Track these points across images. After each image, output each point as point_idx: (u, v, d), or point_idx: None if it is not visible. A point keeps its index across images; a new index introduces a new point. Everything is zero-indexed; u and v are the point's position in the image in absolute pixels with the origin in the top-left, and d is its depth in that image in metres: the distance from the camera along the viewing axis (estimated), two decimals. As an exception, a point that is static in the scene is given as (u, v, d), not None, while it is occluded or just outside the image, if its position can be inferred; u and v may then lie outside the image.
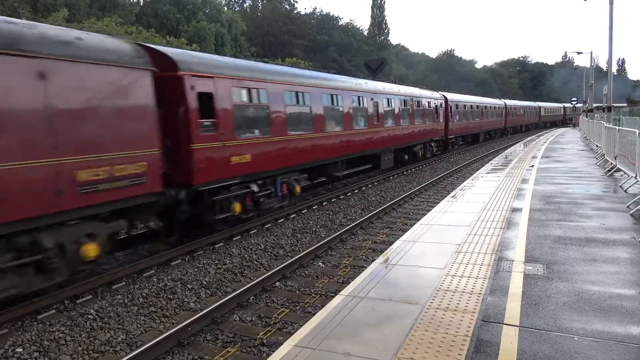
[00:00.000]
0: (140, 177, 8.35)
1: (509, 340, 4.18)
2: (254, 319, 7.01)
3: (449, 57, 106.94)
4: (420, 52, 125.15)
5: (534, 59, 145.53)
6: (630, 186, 11.43)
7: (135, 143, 8.26)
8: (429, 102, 26.88)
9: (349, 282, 6.43)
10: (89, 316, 7.01)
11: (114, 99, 7.98)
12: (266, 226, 12.15)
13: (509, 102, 51.77)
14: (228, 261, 9.61)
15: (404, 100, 23.14)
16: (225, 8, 63.04)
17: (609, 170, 14.63)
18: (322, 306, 5.58)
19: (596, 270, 5.92)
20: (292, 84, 13.63)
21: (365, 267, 6.82)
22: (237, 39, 54.46)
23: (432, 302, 5.10)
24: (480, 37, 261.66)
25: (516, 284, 5.51)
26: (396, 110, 21.90)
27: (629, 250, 6.70)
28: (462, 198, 11.55)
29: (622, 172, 13.09)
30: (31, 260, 6.83)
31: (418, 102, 25.12)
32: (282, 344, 4.49)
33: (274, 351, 4.46)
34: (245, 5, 74.80)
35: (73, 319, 6.93)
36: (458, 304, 5.02)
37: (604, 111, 25.28)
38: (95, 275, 8.41)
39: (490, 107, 42.58)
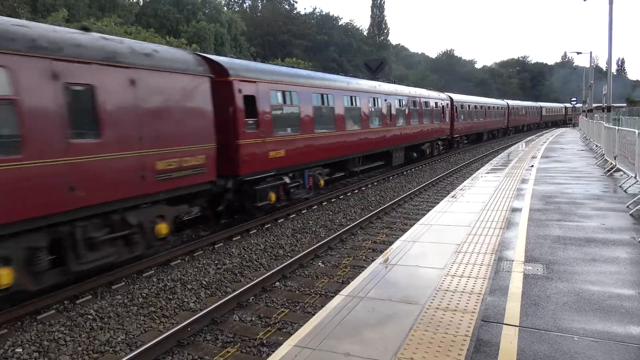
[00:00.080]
0: (200, 167, 9.84)
1: (508, 340, 4.18)
2: (253, 319, 7.01)
3: (448, 57, 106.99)
4: (420, 52, 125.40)
5: (533, 59, 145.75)
6: (630, 186, 11.44)
7: (197, 139, 9.76)
8: (436, 103, 28.03)
9: (348, 282, 6.43)
10: (89, 316, 7.01)
11: (183, 101, 9.46)
12: (266, 226, 12.15)
13: (511, 102, 52.67)
14: (228, 261, 9.61)
15: (414, 101, 24.45)
16: (225, 8, 63.07)
17: (609, 170, 14.64)
18: (322, 306, 5.58)
19: (596, 270, 5.92)
20: (318, 87, 15.13)
21: (365, 267, 6.82)
22: (236, 39, 54.47)
23: (432, 302, 5.10)
24: (480, 37, 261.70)
25: (516, 284, 5.51)
26: (407, 111, 23.24)
27: (629, 250, 6.70)
28: (462, 198, 11.55)
29: (621, 172, 13.09)
30: (121, 234, 8.29)
31: (426, 102, 26.32)
32: (282, 344, 4.49)
33: (273, 351, 4.46)
34: (245, 5, 74.92)
35: (73, 319, 6.92)
36: (458, 304, 5.02)
37: (603, 111, 25.29)
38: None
39: (494, 107, 43.73)
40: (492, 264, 6.26)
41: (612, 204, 9.94)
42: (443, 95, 30.78)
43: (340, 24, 78.41)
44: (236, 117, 11.05)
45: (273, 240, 11.14)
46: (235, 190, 11.37)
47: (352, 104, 17.42)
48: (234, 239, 10.98)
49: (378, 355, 4.05)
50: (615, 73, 46.99)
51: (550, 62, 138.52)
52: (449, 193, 13.66)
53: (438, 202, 11.50)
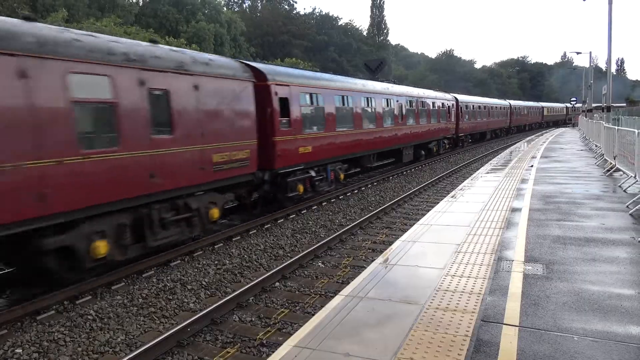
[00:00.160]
0: (245, 161, 11.33)
1: (508, 340, 4.18)
2: (253, 319, 7.01)
3: (448, 57, 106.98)
4: (419, 52, 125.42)
5: (533, 59, 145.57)
6: (629, 186, 11.44)
7: (243, 135, 11.28)
8: (442, 103, 29.42)
9: (348, 282, 6.43)
10: (89, 317, 7.01)
11: (233, 102, 10.96)
12: (265, 227, 12.15)
13: (513, 102, 53.88)
14: (228, 262, 9.61)
15: (422, 102, 25.83)
16: (225, 8, 63.03)
17: (608, 170, 14.64)
18: (322, 306, 5.58)
19: (596, 270, 5.92)
20: (340, 89, 16.63)
21: (365, 267, 6.82)
22: (236, 39, 54.42)
23: (431, 302, 5.10)
24: (480, 37, 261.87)
25: (516, 284, 5.51)
26: (416, 111, 24.62)
27: (629, 250, 6.71)
28: (461, 198, 11.55)
29: (621, 172, 13.10)
30: (184, 217, 9.70)
31: (433, 103, 27.70)
32: (281, 344, 4.48)
33: (273, 351, 4.46)
34: (244, 5, 74.87)
35: (72, 319, 6.92)
36: (458, 304, 5.02)
37: (603, 111, 25.31)
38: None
39: (497, 107, 45.01)
40: (492, 264, 6.26)
41: (611, 204, 9.94)
42: (449, 96, 32.14)
43: (339, 24, 78.38)
44: (273, 117, 12.51)
45: (273, 240, 11.14)
46: (270, 182, 12.78)
47: (368, 104, 18.77)
48: (233, 239, 10.98)
49: (378, 355, 4.05)
50: (614, 73, 47.04)
51: (550, 62, 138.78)
52: (448, 193, 13.66)
53: (438, 202, 11.50)
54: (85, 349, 6.17)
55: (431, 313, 4.83)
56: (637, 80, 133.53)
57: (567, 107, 79.21)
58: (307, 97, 14.45)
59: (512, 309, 4.83)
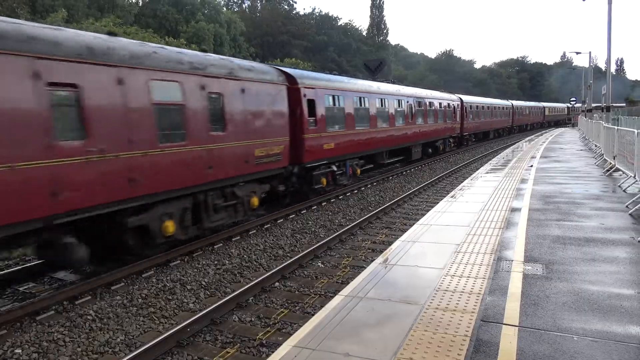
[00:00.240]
0: (279, 155, 12.79)
1: (508, 340, 4.18)
2: (253, 319, 7.00)
3: (447, 57, 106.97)
4: (419, 52, 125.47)
5: (532, 59, 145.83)
6: (629, 186, 11.44)
7: (278, 132, 12.73)
8: (448, 104, 30.74)
9: (348, 283, 6.43)
10: (88, 317, 7.00)
11: (270, 104, 12.43)
12: (265, 227, 12.14)
13: (515, 102, 55.15)
14: (227, 262, 9.60)
15: (430, 102, 27.10)
16: (224, 8, 63.02)
17: (608, 170, 14.65)
18: (322, 306, 5.58)
19: (595, 270, 5.92)
20: (357, 91, 17.96)
21: (365, 268, 6.82)
22: (236, 39, 54.38)
23: (431, 302, 5.10)
24: (479, 38, 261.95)
25: (515, 284, 5.51)
26: (424, 111, 25.91)
27: (628, 249, 6.71)
28: (461, 198, 11.55)
29: (620, 172, 13.10)
30: (231, 203, 11.12)
31: (440, 103, 28.99)
32: (281, 344, 4.48)
33: (273, 352, 4.46)
34: (244, 5, 74.85)
35: (72, 319, 6.91)
36: (457, 304, 5.02)
37: (602, 111, 25.30)
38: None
39: (499, 107, 46.45)
40: (492, 264, 6.26)
41: (611, 204, 9.94)
42: (454, 96, 33.52)
43: (339, 24, 78.35)
44: (302, 116, 13.90)
45: (272, 240, 11.14)
46: (298, 175, 14.09)
47: (382, 105, 20.10)
48: (233, 239, 10.98)
49: (377, 355, 4.05)
50: (614, 73, 46.99)
51: (550, 62, 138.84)
52: (448, 193, 13.66)
53: (437, 202, 11.50)
54: (84, 349, 6.16)
55: (431, 313, 4.83)
56: (636, 80, 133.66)
57: (568, 107, 79.47)
58: (330, 98, 15.75)
59: (512, 309, 4.83)
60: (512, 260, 6.37)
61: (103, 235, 8.62)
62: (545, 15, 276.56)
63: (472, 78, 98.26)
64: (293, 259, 9.38)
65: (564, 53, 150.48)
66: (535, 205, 9.98)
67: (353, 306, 5.13)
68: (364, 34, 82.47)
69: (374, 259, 7.29)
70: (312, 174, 14.62)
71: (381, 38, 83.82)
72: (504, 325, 4.47)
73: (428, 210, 10.59)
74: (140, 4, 51.70)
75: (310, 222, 12.88)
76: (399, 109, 22.06)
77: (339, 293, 5.58)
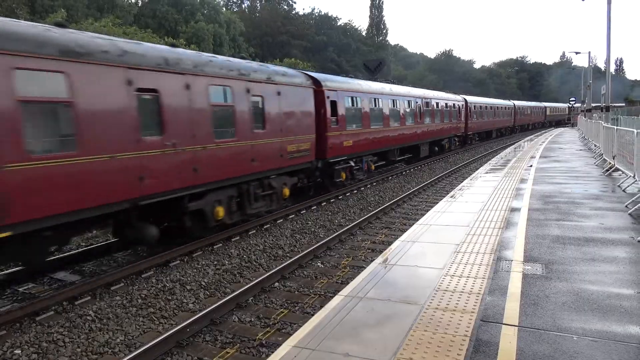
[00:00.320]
0: (307, 151, 14.25)
1: (508, 340, 4.18)
2: (253, 319, 7.00)
3: (447, 57, 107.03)
4: (418, 53, 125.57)
5: (532, 59, 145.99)
6: (628, 186, 11.45)
7: (306, 131, 14.18)
8: (453, 104, 32.12)
9: (348, 283, 6.42)
10: (88, 317, 6.99)
11: (300, 105, 13.95)
12: (265, 227, 12.14)
13: (517, 102, 56.49)
14: (227, 262, 9.60)
15: (437, 103, 28.44)
16: (224, 9, 63.00)
17: (607, 170, 14.66)
18: (321, 306, 5.58)
19: (595, 269, 5.93)
20: (372, 92, 19.35)
21: (364, 268, 6.82)
22: (235, 39, 54.36)
23: (431, 302, 5.10)
24: (479, 38, 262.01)
25: (515, 284, 5.51)
26: (432, 111, 27.22)
27: (628, 249, 6.71)
28: (460, 198, 11.55)
29: (620, 172, 13.11)
30: (267, 193, 12.40)
31: (446, 104, 30.38)
32: (281, 344, 4.48)
33: (273, 352, 4.46)
34: (243, 5, 74.84)
35: (71, 320, 6.91)
36: (457, 304, 5.02)
37: (602, 111, 25.32)
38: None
39: (502, 107, 47.76)
40: (491, 264, 6.26)
41: (610, 204, 9.95)
42: (459, 97, 34.98)
43: (339, 24, 78.39)
44: (326, 116, 15.30)
45: (272, 240, 11.13)
46: (321, 169, 15.49)
47: (394, 105, 21.48)
48: (232, 239, 10.97)
49: (377, 355, 4.05)
50: (613, 73, 46.99)
51: (549, 62, 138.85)
52: (448, 193, 13.66)
53: (437, 202, 11.51)
54: (84, 350, 6.16)
55: (430, 313, 4.83)
56: (636, 80, 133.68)
57: (569, 107, 79.73)
58: (349, 99, 17.14)
59: (512, 308, 4.83)
60: (512, 260, 6.37)
61: (168, 218, 10.00)
62: (545, 15, 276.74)
63: (471, 78, 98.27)
64: (293, 259, 9.37)
65: (564, 53, 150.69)
66: (535, 205, 9.99)
67: (353, 306, 5.13)
68: (364, 34, 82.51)
69: (374, 259, 7.29)
70: (333, 169, 16.05)
71: (380, 38, 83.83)
72: (503, 325, 4.47)
73: (428, 210, 10.59)
74: (140, 4, 51.67)
75: (309, 222, 12.88)
76: (408, 110, 23.29)
77: (339, 293, 5.58)
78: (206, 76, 10.09)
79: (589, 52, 66.21)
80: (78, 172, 7.36)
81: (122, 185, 8.14)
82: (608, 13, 20.48)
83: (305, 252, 9.80)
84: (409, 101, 23.48)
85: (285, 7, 72.98)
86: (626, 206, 9.48)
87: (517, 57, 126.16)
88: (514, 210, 9.63)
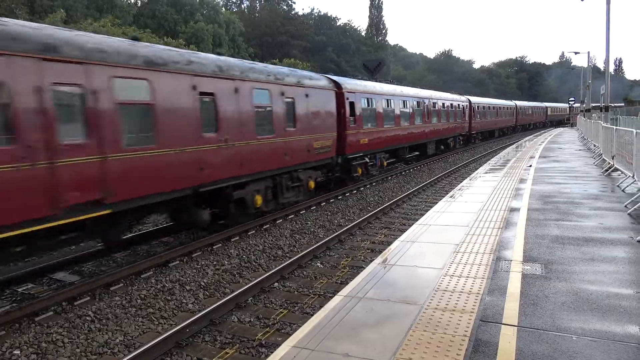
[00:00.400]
0: (329, 147, 15.68)
1: (507, 340, 4.18)
2: (252, 319, 7.00)
3: (446, 58, 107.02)
4: (418, 53, 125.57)
5: (531, 59, 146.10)
6: (627, 186, 11.45)
7: (329, 129, 15.64)
8: (458, 105, 33.50)
9: (347, 283, 6.42)
10: (87, 318, 6.99)
11: (323, 106, 15.46)
12: (264, 227, 12.14)
13: (519, 103, 57.84)
14: (226, 262, 9.60)
15: (443, 103, 29.90)
16: (223, 9, 62.95)
17: (607, 170, 14.66)
18: (321, 307, 5.57)
19: (594, 269, 5.93)
20: (385, 94, 20.85)
21: (364, 268, 6.81)
22: (234, 39, 54.34)
23: (430, 302, 5.10)
24: (478, 38, 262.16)
25: (514, 284, 5.51)
26: (438, 111, 28.61)
27: (627, 249, 6.71)
28: (460, 198, 11.55)
29: (619, 172, 13.11)
30: (296, 185, 13.87)
31: (451, 104, 31.76)
32: (280, 344, 4.48)
33: (272, 352, 4.45)
34: (243, 5, 74.82)
35: (71, 320, 6.90)
36: (456, 304, 5.02)
37: (601, 111, 25.34)
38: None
39: (504, 107, 49.23)
40: (491, 264, 6.26)
41: (610, 204, 9.95)
42: (463, 98, 36.38)
43: (338, 24, 78.36)
44: (345, 116, 16.67)
45: (272, 241, 11.13)
46: (341, 165, 16.84)
47: (404, 106, 22.92)
48: (232, 239, 10.97)
49: (377, 355, 4.05)
50: (612, 73, 47.02)
51: (548, 62, 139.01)
52: (447, 193, 13.66)
53: (436, 202, 11.50)
54: (83, 350, 6.15)
55: (430, 313, 4.83)
56: (635, 80, 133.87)
57: (569, 107, 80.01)
58: (365, 100, 18.54)
59: (511, 308, 4.84)
60: (511, 260, 6.37)
61: (216, 205, 11.02)
62: (544, 15, 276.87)
63: (471, 78, 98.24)
64: (292, 259, 9.37)
65: (563, 53, 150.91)
66: (534, 205, 9.99)
67: (352, 306, 5.13)
68: (363, 34, 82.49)
69: (373, 259, 7.28)
70: (351, 164, 17.43)
71: (380, 38, 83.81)
72: (503, 325, 4.47)
73: (427, 211, 10.59)
74: (139, 4, 51.63)
75: (309, 223, 12.88)
76: (417, 110, 24.74)
77: (338, 293, 5.58)
78: (250, 81, 11.58)
79: (588, 52, 66.56)
80: (157, 162, 8.85)
81: (188, 174, 9.59)
82: (607, 13, 20.51)
83: (305, 252, 9.80)
84: (417, 102, 24.89)
85: (285, 7, 73.01)
86: (625, 206, 9.49)
87: (516, 57, 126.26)
88: (513, 210, 9.64)
